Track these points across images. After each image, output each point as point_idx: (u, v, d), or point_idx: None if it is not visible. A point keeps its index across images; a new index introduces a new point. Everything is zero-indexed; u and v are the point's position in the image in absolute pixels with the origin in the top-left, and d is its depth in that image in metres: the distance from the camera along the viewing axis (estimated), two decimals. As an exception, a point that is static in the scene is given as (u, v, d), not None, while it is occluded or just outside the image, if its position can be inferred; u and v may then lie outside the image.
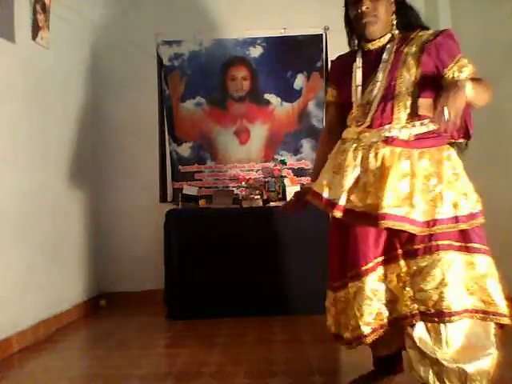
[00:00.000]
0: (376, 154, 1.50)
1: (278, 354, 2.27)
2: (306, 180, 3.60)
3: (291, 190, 3.27)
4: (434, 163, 1.48)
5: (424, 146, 1.50)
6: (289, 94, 3.68)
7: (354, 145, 1.55)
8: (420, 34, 1.56)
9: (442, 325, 1.40)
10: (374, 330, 1.48)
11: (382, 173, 1.47)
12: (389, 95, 1.54)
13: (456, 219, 1.44)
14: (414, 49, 1.53)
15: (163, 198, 3.65)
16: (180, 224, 3.13)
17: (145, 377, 2.05)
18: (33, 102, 2.80)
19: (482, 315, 1.42)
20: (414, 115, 1.52)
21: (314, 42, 3.67)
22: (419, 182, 1.45)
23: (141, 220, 3.60)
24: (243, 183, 3.54)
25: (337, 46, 3.54)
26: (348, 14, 1.63)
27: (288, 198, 3.24)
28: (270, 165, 3.61)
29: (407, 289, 1.44)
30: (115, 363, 2.24)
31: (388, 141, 1.50)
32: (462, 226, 1.44)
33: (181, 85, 3.70)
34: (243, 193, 3.49)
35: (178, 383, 1.98)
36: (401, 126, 1.52)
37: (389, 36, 1.59)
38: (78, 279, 3.27)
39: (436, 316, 1.40)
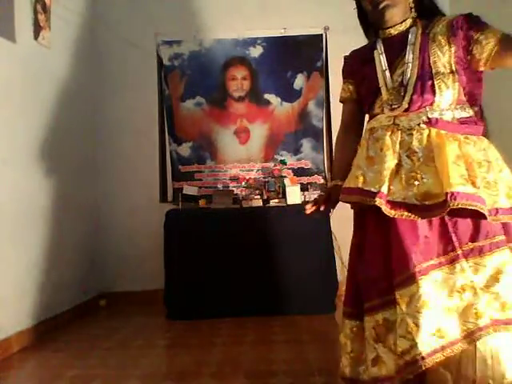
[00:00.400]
0: (420, 137, 1.34)
1: (278, 354, 2.27)
2: (306, 180, 3.60)
3: (291, 190, 3.27)
4: (480, 150, 1.35)
5: (467, 131, 1.37)
6: (289, 93, 3.68)
7: (389, 131, 1.39)
8: (443, 18, 1.46)
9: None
10: (434, 352, 1.19)
11: (429, 155, 1.30)
12: (426, 75, 1.40)
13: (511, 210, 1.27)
14: (440, 29, 1.42)
15: (163, 198, 3.65)
16: (180, 224, 3.13)
17: (145, 377, 2.05)
18: (33, 101, 2.80)
19: None
20: (456, 97, 1.40)
21: (314, 42, 3.67)
22: (475, 165, 1.30)
23: (141, 220, 3.60)
24: (243, 183, 3.54)
25: (337, 46, 3.57)
26: (361, 8, 1.54)
27: (288, 198, 3.25)
28: (270, 165, 3.61)
29: (479, 294, 1.21)
30: (115, 363, 2.24)
31: (432, 122, 1.35)
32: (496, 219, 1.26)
33: (181, 85, 3.70)
34: (243, 193, 3.49)
35: (178, 383, 1.98)
36: (442, 108, 1.38)
37: (410, 20, 1.48)
38: (78, 279, 3.27)
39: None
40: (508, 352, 1.21)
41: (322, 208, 1.58)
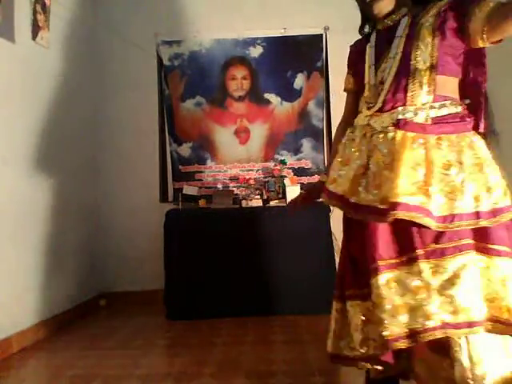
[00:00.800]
0: (386, 140, 1.32)
1: (278, 354, 2.27)
2: (306, 180, 3.60)
3: (291, 190, 3.27)
4: (454, 151, 1.28)
5: (443, 131, 1.30)
6: (289, 93, 3.68)
7: (363, 131, 1.38)
8: (437, 4, 1.36)
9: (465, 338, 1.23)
10: (398, 338, 1.24)
11: (391, 160, 1.27)
12: (403, 72, 1.35)
13: (477, 215, 1.24)
14: (430, 18, 1.34)
15: (163, 198, 3.65)
16: (180, 224, 3.13)
17: (145, 377, 2.05)
18: (32, 101, 2.80)
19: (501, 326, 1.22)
20: (433, 95, 1.33)
21: (314, 42, 3.67)
22: (436, 170, 1.25)
23: (141, 220, 3.60)
24: (243, 183, 3.54)
25: (337, 45, 3.58)
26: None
27: (288, 198, 3.24)
28: (270, 165, 3.61)
29: (432, 295, 1.22)
30: (115, 363, 2.24)
31: (400, 124, 1.31)
32: (483, 223, 1.23)
33: (181, 85, 3.70)
34: (243, 193, 3.49)
35: (178, 383, 1.98)
36: (416, 108, 1.33)
37: (405, 10, 1.41)
38: (78, 279, 3.27)
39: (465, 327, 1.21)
40: (489, 353, 1.22)
41: (300, 207, 1.64)
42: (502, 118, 2.94)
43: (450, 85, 1.37)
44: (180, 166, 3.68)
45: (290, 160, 3.63)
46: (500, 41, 1.28)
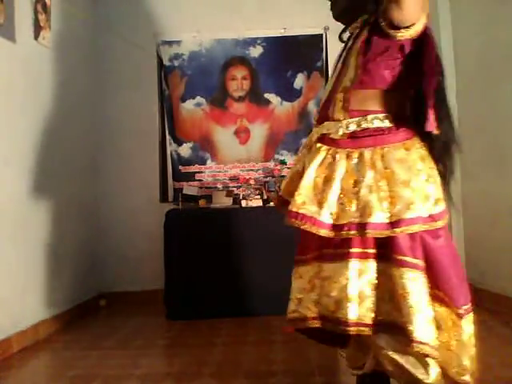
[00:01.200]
0: (310, 153, 1.46)
1: (278, 354, 2.27)
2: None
3: (291, 190, 3.27)
4: (367, 164, 1.34)
5: (359, 145, 1.36)
6: (289, 93, 3.69)
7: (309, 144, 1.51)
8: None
9: None
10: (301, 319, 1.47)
11: (302, 173, 1.42)
12: (335, 88, 1.42)
13: (365, 226, 1.30)
14: (365, 30, 1.36)
15: (163, 198, 3.65)
16: (180, 224, 3.13)
17: (145, 377, 2.05)
18: (33, 101, 2.80)
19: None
20: (350, 110, 1.38)
21: (314, 42, 3.68)
22: (336, 182, 1.34)
23: (141, 220, 3.60)
24: (243, 183, 3.54)
25: (337, 46, 3.56)
26: None
27: (288, 198, 3.25)
28: (270, 165, 3.62)
29: (314, 292, 1.41)
30: (115, 363, 2.24)
31: (319, 138, 1.43)
32: (384, 233, 1.29)
33: (181, 85, 3.70)
34: (243, 193, 3.49)
35: (178, 383, 1.98)
36: (336, 123, 1.40)
37: (365, 17, 1.40)
38: (78, 279, 3.27)
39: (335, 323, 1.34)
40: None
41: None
42: (502, 118, 2.95)
43: (373, 99, 1.39)
44: (180, 166, 3.68)
45: (290, 160, 3.63)
46: (409, 27, 1.26)
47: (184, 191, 3.46)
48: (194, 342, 2.54)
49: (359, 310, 1.31)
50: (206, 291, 3.02)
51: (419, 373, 1.30)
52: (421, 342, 1.24)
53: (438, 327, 1.32)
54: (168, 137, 3.70)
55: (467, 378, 1.31)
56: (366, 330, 1.31)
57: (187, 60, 3.71)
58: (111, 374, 2.09)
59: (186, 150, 3.69)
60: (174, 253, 3.07)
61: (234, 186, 3.60)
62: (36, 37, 2.80)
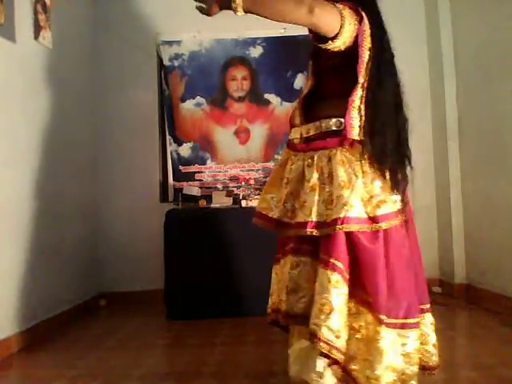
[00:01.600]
0: None
1: (278, 354, 2.26)
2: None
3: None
4: (315, 166, 1.43)
5: (312, 148, 1.46)
6: (289, 93, 3.68)
7: None
8: None
9: None
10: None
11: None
12: (299, 96, 1.62)
13: (306, 225, 1.38)
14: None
15: (163, 198, 3.65)
16: (180, 224, 3.12)
17: (145, 377, 2.05)
18: (33, 101, 2.80)
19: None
20: (308, 116, 1.53)
21: (314, 42, 3.67)
22: (291, 183, 1.47)
23: (141, 220, 3.60)
24: (243, 183, 3.54)
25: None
26: None
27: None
28: (270, 165, 3.61)
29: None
30: (115, 363, 2.24)
31: (287, 143, 1.58)
32: (310, 232, 1.37)
33: (181, 85, 3.70)
34: (243, 193, 3.49)
35: (178, 383, 1.98)
36: (295, 129, 1.55)
37: None
38: (78, 279, 3.27)
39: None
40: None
41: None
42: (502, 118, 2.95)
43: (326, 105, 1.48)
44: (180, 166, 3.68)
45: (290, 160, 3.63)
46: (334, 39, 1.33)
47: (184, 191, 3.45)
48: (194, 342, 2.54)
49: (293, 303, 1.46)
50: (205, 291, 3.02)
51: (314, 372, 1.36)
52: (324, 342, 1.28)
53: (357, 330, 1.35)
54: (168, 137, 3.70)
55: None
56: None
57: (187, 60, 3.71)
58: (111, 374, 2.09)
59: (186, 149, 3.69)
60: (174, 253, 3.07)
61: (234, 186, 3.60)
62: (36, 37, 2.80)
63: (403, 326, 1.35)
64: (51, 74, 3.02)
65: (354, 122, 1.39)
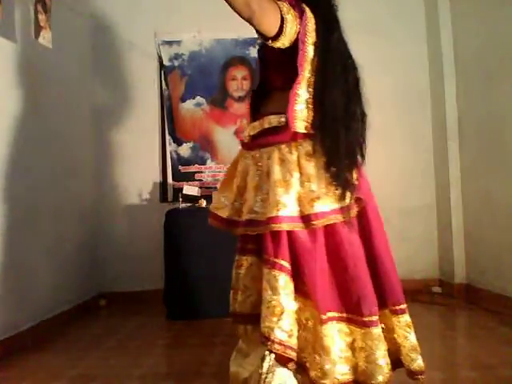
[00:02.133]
0: None
1: (278, 354, 2.27)
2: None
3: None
4: (255, 164, 1.43)
5: (256, 146, 1.45)
6: (289, 94, 3.68)
7: None
8: None
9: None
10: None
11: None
12: None
13: (247, 222, 1.39)
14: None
15: (163, 198, 3.65)
16: (180, 224, 3.12)
17: (145, 377, 2.05)
18: (33, 101, 2.80)
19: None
20: (253, 113, 1.51)
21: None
22: (236, 181, 1.48)
23: (141, 220, 3.60)
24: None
25: (337, 46, 3.57)
26: None
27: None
28: (270, 165, 3.61)
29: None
30: (115, 363, 2.24)
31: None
32: (244, 231, 1.41)
33: (181, 85, 3.70)
34: (243, 193, 3.48)
35: (178, 383, 1.98)
36: (246, 127, 1.53)
37: None
38: (78, 279, 3.27)
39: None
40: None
41: None
42: (502, 118, 2.95)
43: (270, 101, 1.46)
44: (180, 166, 3.68)
45: (290, 160, 3.63)
46: (277, 37, 1.31)
47: (184, 191, 3.45)
48: (194, 342, 2.54)
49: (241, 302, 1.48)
50: (205, 291, 3.01)
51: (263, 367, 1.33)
52: (278, 343, 1.28)
53: (304, 323, 1.35)
54: (168, 137, 3.70)
55: (327, 382, 1.29)
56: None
57: (187, 60, 3.71)
58: (111, 374, 2.09)
59: (185, 149, 3.69)
60: (174, 253, 3.07)
61: (234, 186, 3.60)
62: (36, 36, 2.80)
63: (349, 321, 1.35)
64: (51, 74, 3.02)
65: (298, 114, 1.35)
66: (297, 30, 1.32)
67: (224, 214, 1.50)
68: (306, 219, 1.31)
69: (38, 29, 2.82)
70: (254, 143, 1.46)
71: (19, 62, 2.65)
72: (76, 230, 3.29)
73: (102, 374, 2.10)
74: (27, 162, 2.71)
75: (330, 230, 1.35)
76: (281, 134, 1.37)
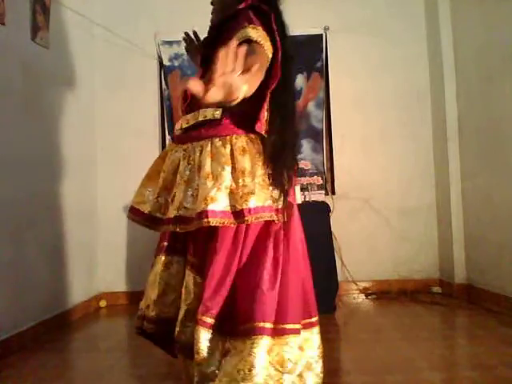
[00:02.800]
0: None
1: (278, 354, 2.27)
2: (305, 181, 3.60)
3: (291, 190, 3.27)
4: (185, 158, 1.34)
5: (188, 140, 1.37)
6: (289, 93, 3.68)
7: None
8: None
9: None
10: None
11: None
12: None
13: (175, 219, 1.31)
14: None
15: (163, 198, 3.65)
16: (180, 224, 3.12)
17: (145, 377, 2.05)
18: (32, 102, 2.80)
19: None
20: (187, 106, 1.41)
21: (314, 42, 3.67)
22: (163, 175, 1.40)
23: (141, 220, 3.60)
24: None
25: (337, 46, 3.58)
26: None
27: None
28: (270, 165, 3.61)
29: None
30: (115, 363, 2.24)
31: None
32: (172, 228, 1.34)
33: (181, 85, 3.70)
34: (243, 193, 3.48)
35: (178, 383, 1.98)
36: (180, 119, 1.44)
37: None
38: (78, 279, 3.27)
39: None
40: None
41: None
42: (502, 118, 2.95)
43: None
44: (180, 166, 3.68)
45: (290, 160, 3.63)
46: None
47: (184, 191, 3.45)
48: (194, 342, 2.53)
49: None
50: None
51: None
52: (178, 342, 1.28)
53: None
54: (168, 137, 3.70)
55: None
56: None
57: (187, 60, 3.71)
58: (111, 374, 2.09)
59: (185, 150, 3.69)
60: (174, 253, 3.06)
61: (234, 186, 3.60)
62: (34, 37, 2.80)
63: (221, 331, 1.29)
64: (50, 75, 3.02)
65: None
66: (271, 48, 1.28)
67: (146, 209, 1.45)
68: (238, 215, 1.22)
69: (36, 29, 2.81)
70: (186, 136, 1.38)
71: (17, 62, 2.65)
72: (76, 230, 3.28)
73: (102, 374, 2.10)
74: (25, 162, 2.71)
75: (253, 226, 1.29)
76: (215, 127, 1.31)
